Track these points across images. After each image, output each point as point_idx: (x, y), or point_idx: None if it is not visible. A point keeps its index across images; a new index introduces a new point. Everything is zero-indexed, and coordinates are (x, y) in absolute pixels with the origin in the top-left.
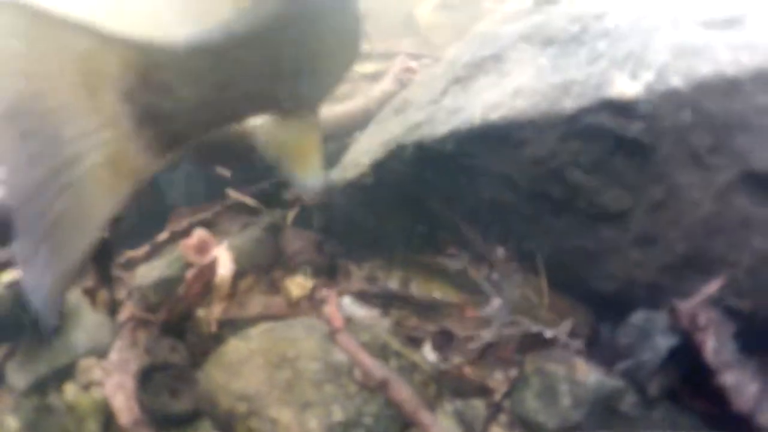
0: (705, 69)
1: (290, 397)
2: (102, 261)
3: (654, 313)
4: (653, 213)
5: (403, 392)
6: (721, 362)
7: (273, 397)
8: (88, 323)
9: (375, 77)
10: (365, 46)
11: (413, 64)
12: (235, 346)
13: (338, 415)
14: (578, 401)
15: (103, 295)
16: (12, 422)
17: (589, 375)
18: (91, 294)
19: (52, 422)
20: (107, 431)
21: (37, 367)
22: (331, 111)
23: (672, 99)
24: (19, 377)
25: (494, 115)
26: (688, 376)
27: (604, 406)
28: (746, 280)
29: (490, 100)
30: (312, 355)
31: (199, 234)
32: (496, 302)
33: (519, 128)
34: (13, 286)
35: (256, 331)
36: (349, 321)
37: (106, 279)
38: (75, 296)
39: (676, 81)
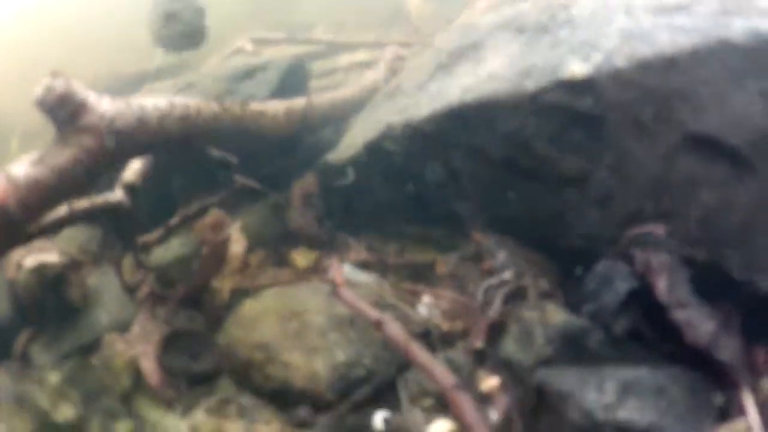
0: (645, 50)
1: (300, 343)
2: (126, 230)
3: (616, 262)
4: (608, 176)
5: (395, 329)
6: (674, 300)
7: (285, 345)
8: (110, 302)
9: (366, 65)
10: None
11: (404, 51)
12: (249, 306)
13: (341, 357)
14: (549, 339)
15: (129, 263)
16: (53, 377)
17: (557, 317)
18: (117, 263)
19: (90, 376)
20: (138, 385)
21: (61, 345)
22: (325, 97)
23: (616, 77)
24: (44, 357)
25: (468, 97)
26: (649, 316)
27: (572, 344)
28: (698, 231)
29: (466, 84)
30: (317, 310)
31: (215, 214)
32: (501, 255)
33: (490, 108)
34: (38, 270)
35: (267, 293)
36: (349, 283)
37: (130, 247)
38: (96, 277)
39: (620, 62)
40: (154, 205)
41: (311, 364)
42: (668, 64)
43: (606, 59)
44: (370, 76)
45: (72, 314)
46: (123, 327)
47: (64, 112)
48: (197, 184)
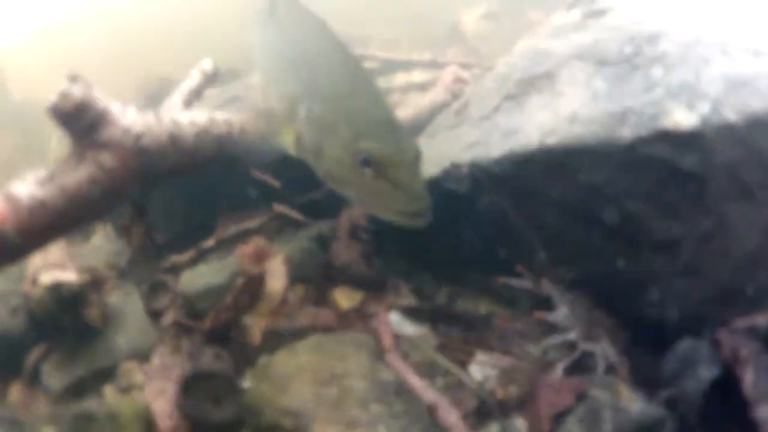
0: (755, 103)
1: (336, 415)
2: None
3: (698, 342)
4: (702, 244)
5: (452, 418)
6: (759, 395)
7: (320, 414)
8: (131, 327)
9: (423, 87)
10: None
11: (464, 74)
12: (282, 360)
13: None
14: (620, 428)
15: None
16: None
17: (633, 403)
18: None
19: (92, 429)
20: None
21: (74, 369)
22: None
23: (726, 133)
24: (55, 379)
25: (551, 141)
26: (725, 407)
27: None
28: None
29: (546, 124)
30: (360, 373)
31: (257, 242)
32: (563, 310)
33: (576, 155)
34: (54, 289)
35: (304, 346)
36: (398, 338)
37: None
38: (119, 297)
39: (730, 114)
40: (187, 224)
41: None
42: None
43: (714, 110)
44: (429, 98)
45: (89, 335)
46: (143, 355)
47: (81, 123)
48: (237, 203)
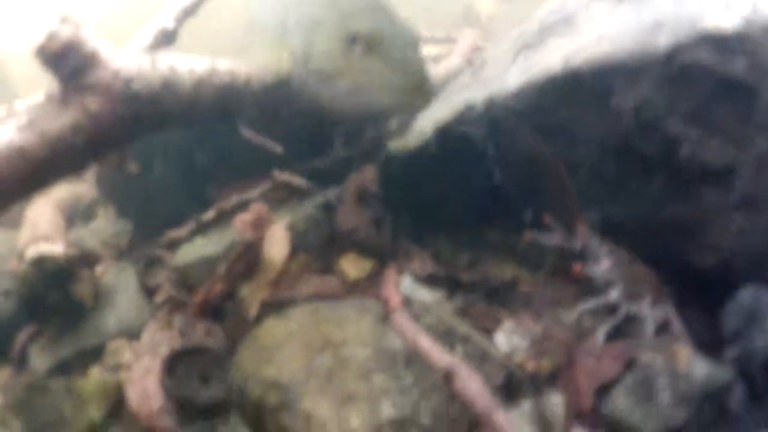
0: None
1: (330, 387)
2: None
3: (763, 290)
4: (759, 169)
5: (473, 386)
6: None
7: (309, 388)
8: (122, 305)
9: (437, 59)
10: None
11: (480, 42)
12: (271, 327)
13: (388, 411)
14: (681, 398)
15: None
16: None
17: (695, 365)
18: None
19: (44, 403)
20: (114, 417)
21: (60, 349)
22: None
23: None
24: (41, 360)
25: (576, 61)
26: None
27: (714, 404)
28: None
29: (570, 51)
30: (361, 339)
31: (257, 208)
32: (605, 262)
33: (605, 75)
34: (38, 263)
35: (297, 310)
36: (409, 303)
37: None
38: (113, 275)
39: None
40: (182, 193)
41: (343, 420)
42: None
43: (754, 10)
44: (445, 66)
45: (79, 314)
46: (133, 332)
47: (68, 64)
48: (239, 172)
